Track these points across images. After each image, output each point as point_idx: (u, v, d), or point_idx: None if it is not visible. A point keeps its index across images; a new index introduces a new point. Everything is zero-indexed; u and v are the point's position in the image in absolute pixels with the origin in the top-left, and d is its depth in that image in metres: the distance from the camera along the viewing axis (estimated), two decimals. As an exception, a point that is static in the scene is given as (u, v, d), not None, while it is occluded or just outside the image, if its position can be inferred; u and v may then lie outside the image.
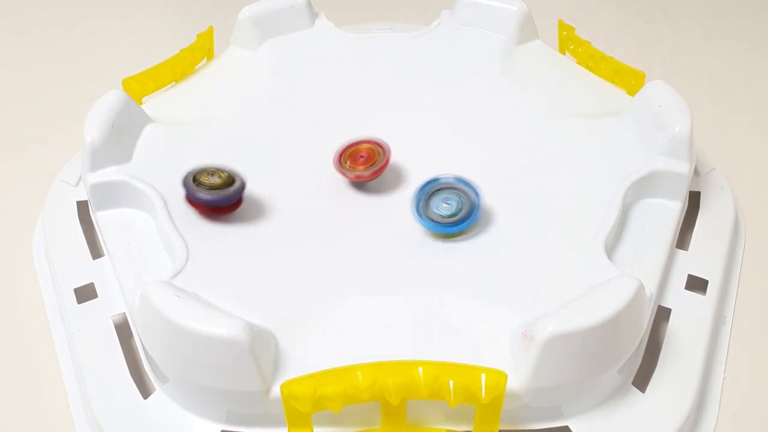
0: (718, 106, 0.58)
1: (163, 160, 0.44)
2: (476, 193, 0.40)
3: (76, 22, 0.70)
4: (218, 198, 0.40)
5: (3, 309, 0.44)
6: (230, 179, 0.40)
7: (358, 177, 0.43)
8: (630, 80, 0.49)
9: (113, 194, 0.42)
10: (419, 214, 0.40)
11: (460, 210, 0.40)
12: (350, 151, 0.43)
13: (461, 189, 0.40)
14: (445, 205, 0.40)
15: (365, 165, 0.42)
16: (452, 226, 0.40)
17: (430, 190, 0.40)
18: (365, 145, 0.43)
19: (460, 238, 0.40)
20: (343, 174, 0.43)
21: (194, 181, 0.40)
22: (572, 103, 0.48)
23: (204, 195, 0.39)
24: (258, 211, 0.42)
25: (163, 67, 0.50)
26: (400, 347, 0.35)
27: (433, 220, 0.40)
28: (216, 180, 0.40)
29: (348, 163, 0.43)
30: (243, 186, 0.40)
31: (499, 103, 0.48)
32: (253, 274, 0.38)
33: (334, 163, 0.43)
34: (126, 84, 0.48)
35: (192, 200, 0.40)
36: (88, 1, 0.72)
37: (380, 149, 0.43)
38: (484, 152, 0.45)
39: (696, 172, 0.47)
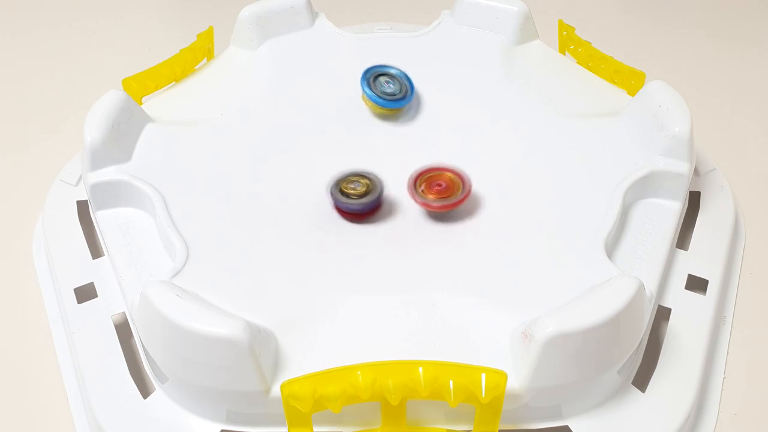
0: (718, 106, 0.58)
1: (163, 160, 0.44)
2: (409, 80, 0.47)
3: (76, 22, 0.70)
4: (361, 207, 0.41)
5: (3, 309, 0.44)
6: (371, 186, 0.42)
7: (425, 204, 0.41)
8: (630, 80, 0.49)
9: (113, 194, 0.42)
10: (369, 89, 0.46)
11: (399, 91, 0.47)
12: (429, 176, 0.42)
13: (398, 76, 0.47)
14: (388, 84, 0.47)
15: (439, 195, 0.41)
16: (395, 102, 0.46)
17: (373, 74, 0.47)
18: (448, 174, 0.42)
19: (460, 237, 0.40)
20: (414, 198, 0.41)
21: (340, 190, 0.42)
22: (572, 103, 0.48)
23: (350, 204, 0.41)
24: (258, 211, 0.42)
25: (163, 67, 0.50)
26: (400, 347, 0.35)
27: (379, 97, 0.46)
28: (359, 188, 0.41)
29: (423, 187, 0.41)
30: (381, 191, 0.42)
31: (499, 103, 0.48)
32: (253, 274, 0.38)
33: (408, 186, 0.42)
34: (126, 84, 0.48)
35: (339, 208, 0.42)
36: (88, 1, 0.72)
37: (461, 182, 0.41)
38: (483, 152, 0.45)
39: (696, 172, 0.47)
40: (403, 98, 0.47)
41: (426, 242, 0.40)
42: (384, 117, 0.47)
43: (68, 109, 0.58)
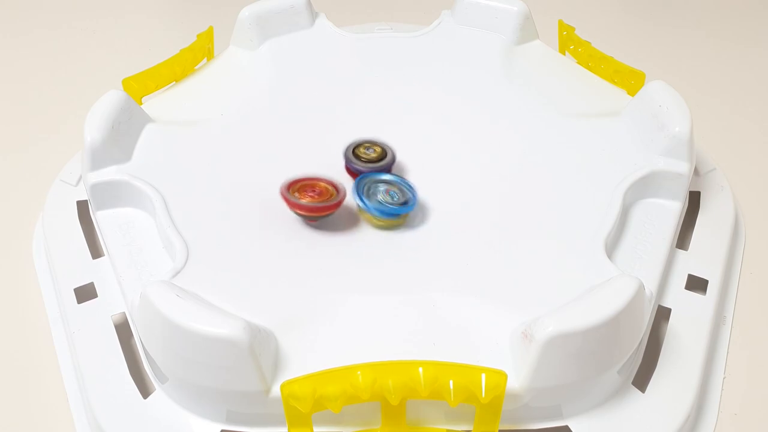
0: (718, 106, 0.58)
1: (163, 160, 0.44)
2: (411, 188, 0.42)
3: (76, 22, 0.70)
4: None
5: (3, 309, 0.44)
6: (383, 153, 0.43)
7: (299, 207, 0.40)
8: (630, 80, 0.49)
9: (113, 194, 0.42)
10: (362, 199, 0.41)
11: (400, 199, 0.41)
12: (302, 184, 0.41)
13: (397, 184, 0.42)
14: (387, 195, 0.41)
15: (314, 198, 0.40)
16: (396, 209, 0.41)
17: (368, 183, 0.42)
18: (322, 183, 0.41)
19: (460, 237, 0.40)
20: (287, 201, 0.40)
21: (353, 153, 0.43)
22: (572, 103, 0.48)
23: (360, 167, 0.43)
24: (258, 211, 0.42)
25: (163, 67, 0.50)
26: (400, 347, 0.35)
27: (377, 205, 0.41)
28: (371, 154, 0.43)
29: (296, 194, 0.40)
30: (393, 159, 0.43)
31: (499, 103, 0.48)
32: (253, 274, 0.38)
33: (280, 190, 0.40)
34: (126, 84, 0.48)
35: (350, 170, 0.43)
36: (88, 1, 0.72)
37: (335, 190, 0.41)
38: (483, 152, 0.45)
39: (696, 172, 0.47)
40: (404, 203, 0.41)
41: (426, 242, 0.40)
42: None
43: (68, 109, 0.58)
